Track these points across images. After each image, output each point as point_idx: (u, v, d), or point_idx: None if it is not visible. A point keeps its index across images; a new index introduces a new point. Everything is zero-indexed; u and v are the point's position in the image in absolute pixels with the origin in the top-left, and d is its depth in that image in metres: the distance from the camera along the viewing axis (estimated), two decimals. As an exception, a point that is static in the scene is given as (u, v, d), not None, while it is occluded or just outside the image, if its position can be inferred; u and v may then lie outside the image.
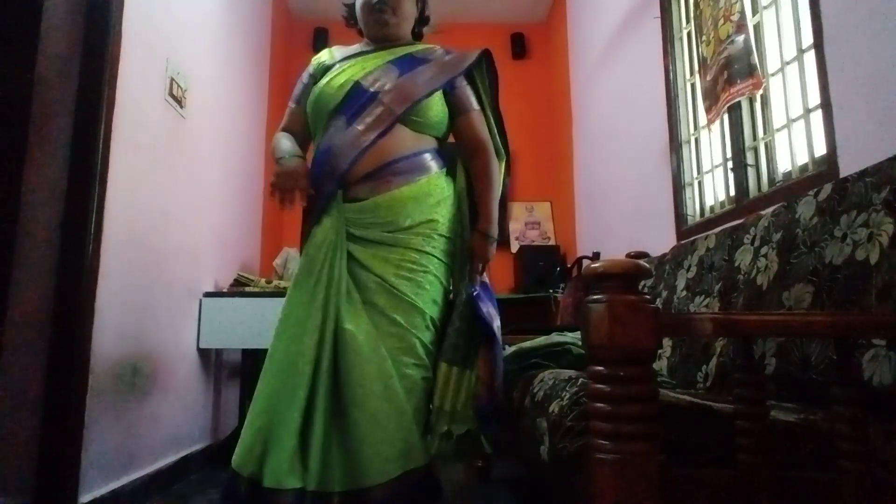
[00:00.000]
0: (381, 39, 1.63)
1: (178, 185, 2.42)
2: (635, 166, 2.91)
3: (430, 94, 1.51)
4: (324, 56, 1.67)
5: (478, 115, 1.60)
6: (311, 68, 1.66)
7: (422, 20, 1.72)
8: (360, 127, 1.46)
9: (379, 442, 1.30)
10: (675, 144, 2.47)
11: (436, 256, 1.48)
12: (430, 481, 1.37)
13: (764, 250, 1.40)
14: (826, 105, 1.56)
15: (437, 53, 1.62)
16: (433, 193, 1.51)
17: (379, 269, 1.43)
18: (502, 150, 1.66)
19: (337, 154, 1.47)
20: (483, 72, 1.65)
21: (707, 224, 2.17)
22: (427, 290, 1.45)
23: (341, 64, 1.59)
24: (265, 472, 1.29)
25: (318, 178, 1.49)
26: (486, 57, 1.64)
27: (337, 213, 1.46)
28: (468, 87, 1.60)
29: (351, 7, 1.70)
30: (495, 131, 1.64)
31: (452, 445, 1.37)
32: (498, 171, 1.61)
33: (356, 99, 1.49)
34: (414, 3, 1.65)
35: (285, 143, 1.57)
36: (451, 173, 1.59)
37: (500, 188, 1.62)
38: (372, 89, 1.50)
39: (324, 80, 1.56)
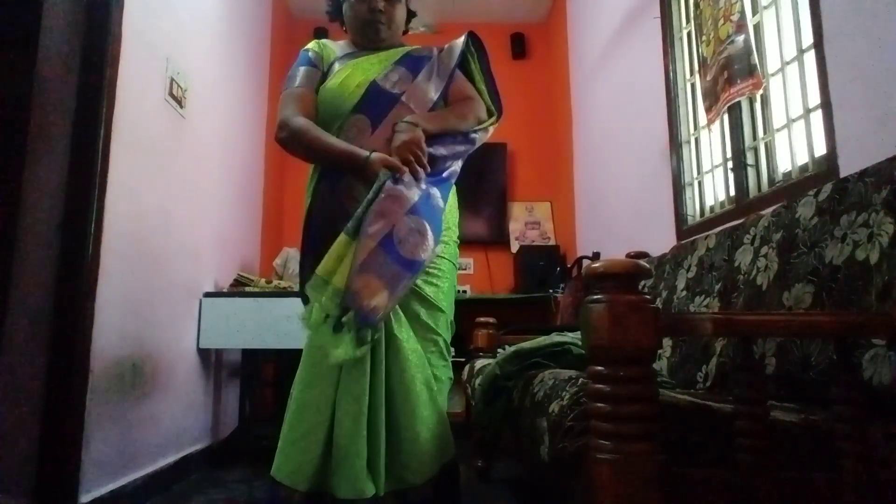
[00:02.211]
0: (371, 46, 1.62)
1: (178, 185, 2.42)
2: (635, 166, 2.91)
3: (443, 93, 1.54)
4: (320, 49, 1.61)
5: (464, 82, 1.60)
6: (316, 52, 1.59)
7: (408, 18, 1.71)
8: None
9: (424, 442, 1.35)
10: (675, 144, 2.47)
11: (449, 260, 1.52)
12: (456, 469, 1.45)
13: (764, 250, 1.40)
14: (826, 105, 1.56)
15: (431, 51, 1.62)
16: (449, 200, 1.52)
17: None
18: (494, 109, 1.61)
19: None
20: (471, 50, 1.63)
21: (707, 224, 2.17)
22: (446, 294, 1.49)
23: (345, 61, 1.56)
24: (337, 484, 1.27)
25: (346, 182, 1.45)
26: (471, 38, 1.63)
27: None
28: (462, 76, 1.60)
29: (334, 1, 1.67)
30: (486, 94, 1.60)
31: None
32: (475, 119, 1.55)
33: (376, 99, 1.47)
34: (405, 10, 1.66)
35: (327, 137, 1.44)
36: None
37: (466, 126, 1.53)
38: (393, 91, 1.48)
39: (335, 80, 1.51)
